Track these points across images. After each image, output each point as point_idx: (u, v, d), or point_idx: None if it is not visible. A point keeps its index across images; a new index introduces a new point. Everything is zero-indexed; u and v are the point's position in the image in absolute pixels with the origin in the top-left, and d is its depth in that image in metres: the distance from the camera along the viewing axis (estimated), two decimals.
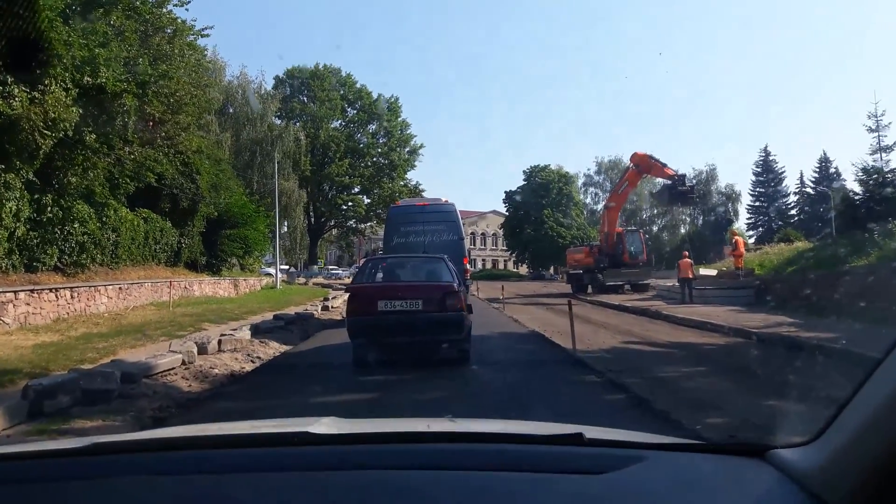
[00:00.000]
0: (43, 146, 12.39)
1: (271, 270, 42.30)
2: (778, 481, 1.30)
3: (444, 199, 16.18)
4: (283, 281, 38.50)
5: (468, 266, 16.19)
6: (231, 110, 48.36)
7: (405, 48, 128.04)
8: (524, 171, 70.05)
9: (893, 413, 1.04)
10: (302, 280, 45.67)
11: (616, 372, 8.02)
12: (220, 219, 26.50)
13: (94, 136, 14.30)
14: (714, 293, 20.52)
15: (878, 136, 21.03)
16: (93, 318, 14.91)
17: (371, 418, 2.44)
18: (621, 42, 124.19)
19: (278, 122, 53.69)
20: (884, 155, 21.09)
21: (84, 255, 16.25)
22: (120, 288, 17.49)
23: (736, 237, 22.69)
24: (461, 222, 15.65)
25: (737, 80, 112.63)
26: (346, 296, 9.52)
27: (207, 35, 19.27)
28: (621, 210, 36.25)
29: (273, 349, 11.61)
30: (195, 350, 9.60)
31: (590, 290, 30.79)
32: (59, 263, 15.51)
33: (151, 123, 15.60)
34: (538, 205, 65.59)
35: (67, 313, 14.62)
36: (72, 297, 14.96)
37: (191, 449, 1.60)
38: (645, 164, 29.20)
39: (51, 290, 14.13)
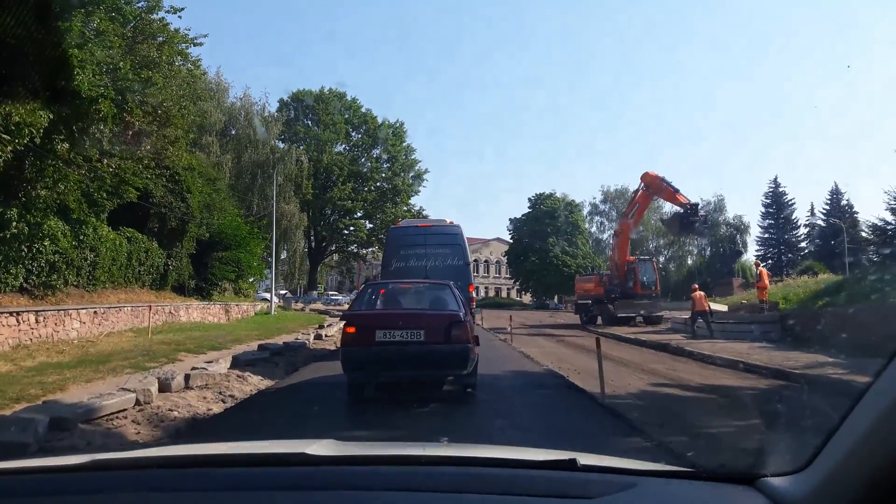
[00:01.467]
0: (2, 154, 11.08)
1: (268, 295, 41.02)
2: None
3: (448, 221, 15.01)
4: (278, 306, 37.11)
5: (473, 294, 14.82)
6: (233, 132, 47.71)
7: (410, 72, 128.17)
8: (529, 199, 68.91)
9: (880, 440, 1.05)
10: (299, 306, 44.21)
11: (655, 426, 6.61)
12: (212, 240, 25.16)
13: (66, 144, 13.03)
14: (736, 328, 19.04)
15: None
16: (59, 345, 13.49)
17: (368, 441, 2.36)
18: (627, 70, 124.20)
19: (281, 144, 52.98)
20: None
21: (55, 276, 14.88)
22: (95, 312, 16.09)
23: (760, 269, 21.21)
24: (467, 246, 14.50)
25: (746, 109, 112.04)
26: (342, 324, 8.69)
27: (200, 44, 18.15)
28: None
29: (251, 385, 10.16)
30: (155, 387, 8.18)
31: (599, 321, 29.41)
32: (25, 284, 14.16)
33: (131, 133, 14.31)
34: (543, 233, 64.28)
35: (30, 339, 13.22)
36: (37, 321, 13.55)
37: (188, 467, 1.61)
38: (656, 186, 27.82)
39: (11, 313, 12.73)
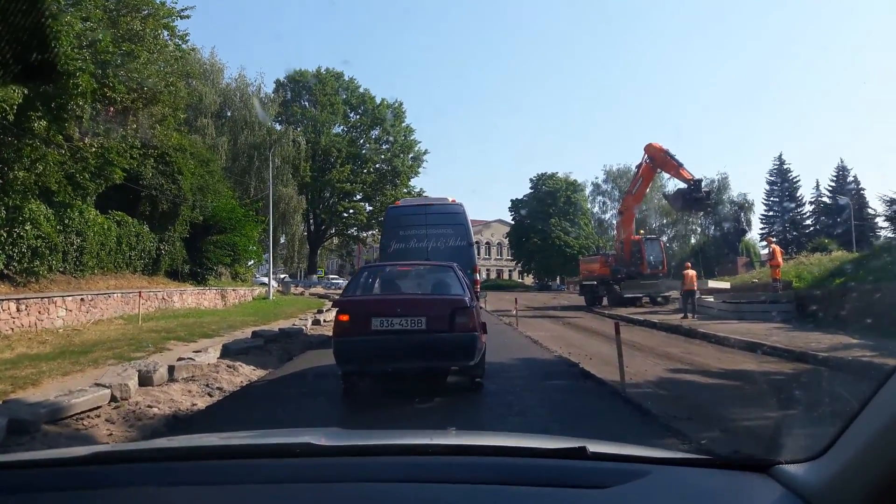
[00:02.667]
0: None
1: (267, 280, 40.37)
2: (783, 496, 1.30)
3: (450, 199, 14.19)
4: (277, 291, 36.45)
5: (477, 276, 14.05)
6: (229, 114, 46.93)
7: (410, 54, 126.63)
8: (531, 179, 68.09)
9: None
10: (299, 290, 43.51)
11: (684, 420, 5.95)
12: (207, 224, 24.41)
13: (43, 122, 12.26)
14: (750, 307, 18.36)
15: None
16: (43, 334, 12.83)
17: (372, 430, 2.39)
18: (630, 50, 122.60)
19: (278, 126, 52.12)
20: None
21: (37, 262, 14.18)
22: (82, 299, 15.41)
23: (773, 246, 20.45)
24: (470, 226, 13.72)
25: (751, 85, 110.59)
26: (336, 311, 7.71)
27: (187, 16, 17.22)
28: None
29: (242, 376, 9.49)
30: (134, 381, 7.51)
31: (604, 302, 28.76)
32: (6, 271, 13.46)
33: (114, 111, 13.53)
34: (545, 213, 63.49)
35: (11, 329, 12.56)
36: (18, 309, 12.88)
37: (192, 460, 1.58)
38: (660, 159, 26.97)
39: None
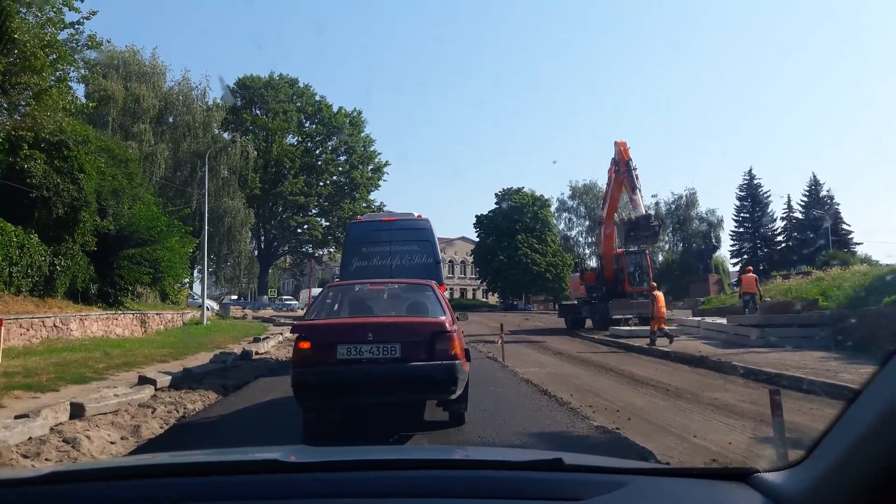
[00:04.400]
0: None
1: (210, 303, 36.11)
2: None
3: (416, 214, 13.27)
4: (216, 315, 32.27)
5: (446, 295, 11.33)
6: (171, 119, 43.03)
7: (372, 64, 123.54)
8: (496, 194, 64.89)
9: (880, 437, 1.02)
10: (240, 313, 39.27)
11: None
12: (121, 235, 20.20)
13: None
14: (774, 332, 15.19)
15: None
16: None
17: (341, 447, 2.21)
18: (595, 64, 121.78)
19: (225, 134, 48.28)
20: None
21: None
22: None
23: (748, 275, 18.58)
24: (437, 242, 12.91)
25: (720, 99, 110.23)
26: (294, 337, 6.86)
27: None
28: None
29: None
30: None
31: (588, 324, 25.53)
32: None
33: None
34: (511, 230, 60.35)
35: None
36: None
37: (154, 478, 1.53)
38: (623, 167, 24.16)
39: None
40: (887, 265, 18.48)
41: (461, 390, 6.39)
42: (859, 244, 53.05)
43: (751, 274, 19.29)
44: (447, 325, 6.30)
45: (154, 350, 15.29)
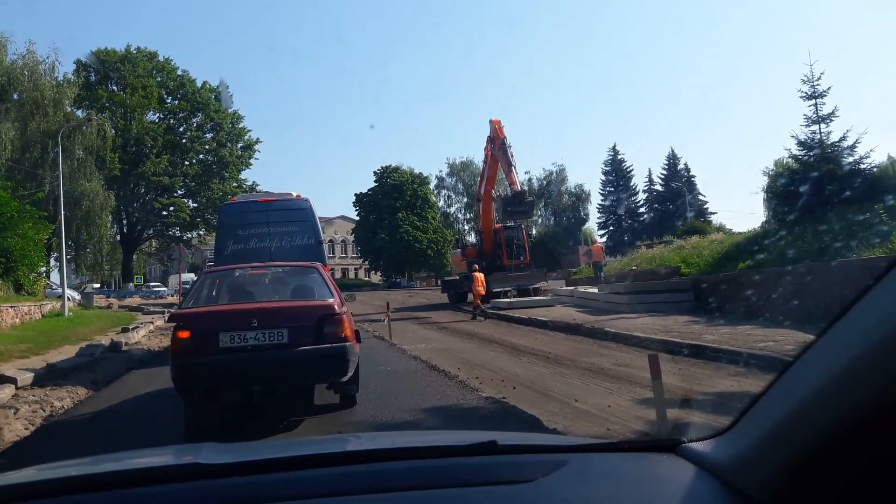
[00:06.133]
0: None
1: (71, 292, 33.35)
2: (694, 474, 1.32)
3: (294, 194, 13.00)
4: (78, 305, 29.96)
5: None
6: (16, 96, 38.93)
7: (247, 40, 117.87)
8: (375, 172, 64.46)
9: (813, 408, 1.04)
10: (104, 302, 36.73)
11: None
12: None
13: None
14: (637, 298, 16.26)
15: (816, 103, 16.05)
16: None
17: (253, 442, 2.07)
18: (471, 43, 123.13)
19: (79, 112, 44.44)
20: (823, 126, 16.29)
21: None
22: None
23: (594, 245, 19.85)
24: (318, 222, 12.69)
25: (588, 80, 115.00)
26: (171, 327, 6.86)
27: None
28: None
29: None
30: None
31: (470, 298, 26.15)
32: None
33: None
34: (392, 208, 60.34)
35: None
36: None
37: (55, 496, 1.32)
38: (498, 144, 24.83)
39: None
40: (741, 234, 20.13)
41: (352, 372, 6.38)
42: (714, 213, 57.64)
43: (597, 244, 20.52)
44: (336, 307, 6.23)
45: (11, 346, 13.94)
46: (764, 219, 20.00)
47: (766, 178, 18.06)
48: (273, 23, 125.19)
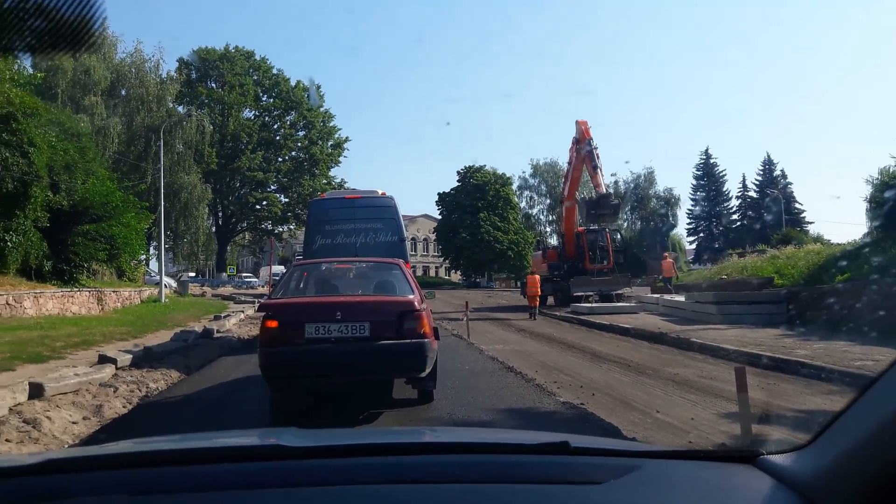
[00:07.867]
0: None
1: (168, 280, 35.35)
2: (771, 486, 1.30)
3: (380, 192, 13.21)
4: (174, 292, 31.68)
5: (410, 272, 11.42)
6: (123, 92, 41.73)
7: (333, 41, 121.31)
8: (458, 172, 64.65)
9: (890, 425, 1.03)
10: (199, 290, 38.58)
11: None
12: (75, 211, 19.60)
13: None
14: (727, 309, 15.59)
15: None
16: None
17: (334, 429, 2.21)
18: (557, 40, 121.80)
19: (180, 108, 47.03)
20: None
21: None
22: None
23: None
24: (402, 220, 12.95)
25: (678, 80, 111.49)
26: (260, 316, 6.84)
27: None
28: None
29: None
30: None
31: (550, 301, 25.84)
32: None
33: None
34: (474, 207, 60.40)
35: None
36: None
37: (150, 466, 1.44)
38: (583, 145, 24.25)
39: None
40: (839, 245, 19.00)
41: (430, 368, 6.42)
42: (811, 223, 54.68)
43: (668, 259, 20.22)
44: (416, 303, 6.31)
45: (112, 328, 14.95)
46: (866, 230, 18.75)
47: (870, 187, 16.89)
48: (354, 25, 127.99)
